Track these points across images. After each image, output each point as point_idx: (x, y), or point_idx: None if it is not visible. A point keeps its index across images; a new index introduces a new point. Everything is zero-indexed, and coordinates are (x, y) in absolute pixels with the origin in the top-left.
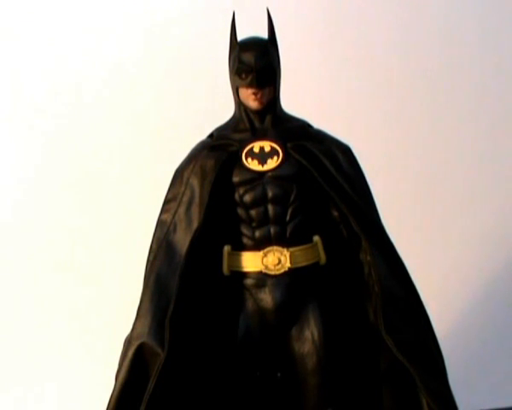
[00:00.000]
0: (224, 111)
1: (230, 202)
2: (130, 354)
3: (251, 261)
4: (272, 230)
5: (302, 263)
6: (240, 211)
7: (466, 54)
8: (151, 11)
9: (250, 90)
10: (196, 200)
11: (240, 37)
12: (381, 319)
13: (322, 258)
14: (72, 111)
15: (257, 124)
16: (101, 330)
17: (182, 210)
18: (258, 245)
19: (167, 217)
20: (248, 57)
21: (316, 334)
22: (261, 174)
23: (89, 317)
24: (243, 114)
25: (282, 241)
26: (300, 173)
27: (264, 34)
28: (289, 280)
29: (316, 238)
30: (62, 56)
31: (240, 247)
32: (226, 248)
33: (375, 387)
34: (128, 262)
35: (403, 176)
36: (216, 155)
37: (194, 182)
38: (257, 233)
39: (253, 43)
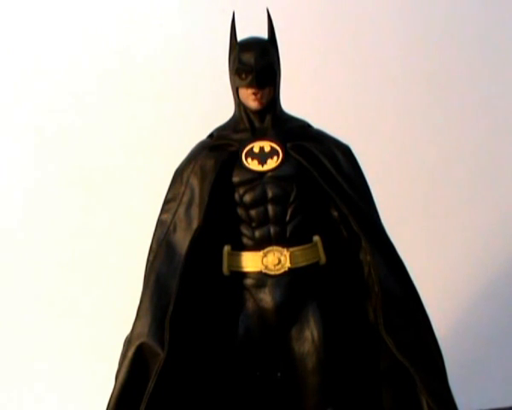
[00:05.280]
0: (224, 111)
1: (230, 202)
2: (130, 354)
3: (251, 261)
4: (272, 230)
5: (302, 263)
6: (240, 211)
7: (467, 53)
8: (151, 11)
9: (250, 90)
10: (196, 200)
11: (240, 37)
12: (381, 319)
13: (322, 258)
14: (73, 112)
15: (257, 124)
16: (102, 330)
17: (182, 210)
18: (258, 245)
19: (167, 217)
20: (248, 57)
21: (316, 334)
22: (261, 174)
23: (89, 317)
24: (243, 114)
25: (282, 241)
26: (300, 173)
27: (264, 34)
28: (289, 280)
29: (316, 238)
30: (62, 56)
31: (240, 247)
32: (226, 248)
33: (375, 387)
34: (128, 262)
35: (403, 176)
36: (216, 155)
37: (194, 182)
38: (257, 233)
39: (252, 44)
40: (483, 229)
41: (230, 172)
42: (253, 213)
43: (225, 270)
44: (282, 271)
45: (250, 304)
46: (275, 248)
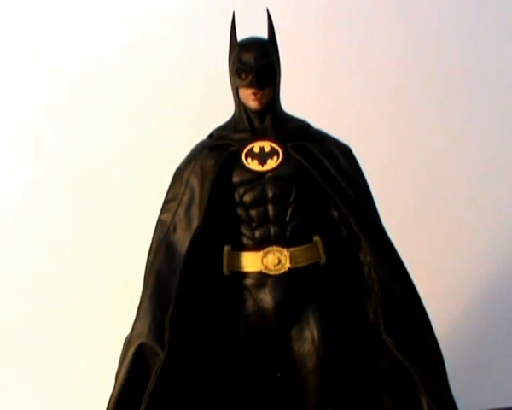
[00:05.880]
0: (224, 111)
1: (230, 202)
2: (130, 354)
3: (251, 261)
4: (272, 230)
5: (302, 263)
6: (240, 211)
7: (468, 52)
8: (151, 11)
9: (250, 91)
10: (196, 200)
11: (240, 37)
12: (381, 319)
13: (322, 258)
14: (73, 110)
15: (257, 124)
16: (102, 330)
17: (182, 210)
18: (258, 245)
19: (167, 217)
20: (248, 57)
21: (315, 334)
22: (261, 174)
23: (88, 317)
24: (243, 114)
25: (282, 241)
26: (300, 173)
27: (264, 34)
28: (289, 280)
29: (316, 238)
30: (60, 55)
31: (240, 247)
32: (226, 249)
33: (374, 387)
34: (128, 262)
35: (403, 176)
36: (216, 155)
37: (194, 182)
38: (257, 233)
39: (252, 44)
40: (483, 229)
41: (230, 172)
42: (253, 213)
43: (225, 270)
44: (282, 271)
45: (250, 304)
46: (275, 248)
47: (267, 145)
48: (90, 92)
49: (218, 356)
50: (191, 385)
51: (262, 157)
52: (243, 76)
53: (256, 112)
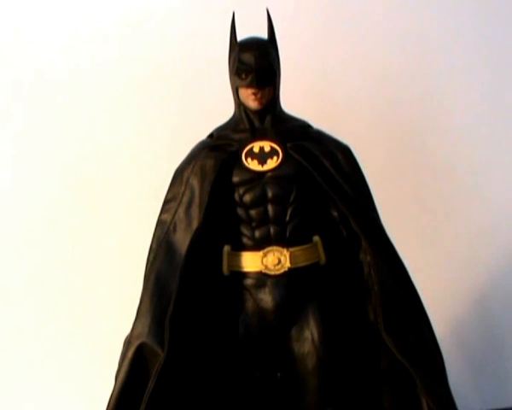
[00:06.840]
0: (224, 111)
1: (230, 202)
2: (129, 354)
3: (251, 261)
4: (272, 230)
5: (302, 263)
6: (240, 211)
7: (468, 49)
8: (150, 10)
9: (250, 91)
10: (196, 200)
11: (240, 37)
12: (381, 318)
13: (322, 258)
14: (73, 109)
15: (257, 124)
16: (102, 330)
17: (182, 210)
18: (257, 245)
19: (167, 217)
20: (248, 57)
21: (315, 334)
22: (261, 174)
23: (88, 317)
24: (243, 114)
25: (282, 241)
26: (300, 173)
27: (264, 34)
28: (289, 280)
29: (315, 238)
30: (59, 52)
31: (240, 247)
32: (226, 249)
33: (375, 387)
34: (128, 262)
35: (402, 176)
36: (216, 155)
37: (194, 182)
38: (257, 233)
39: (252, 44)
40: (484, 229)
41: (230, 172)
42: (252, 213)
43: (225, 270)
44: (282, 271)
45: (250, 304)
46: (275, 248)
47: (267, 145)
48: (89, 91)
49: (218, 356)
50: (191, 385)
51: (262, 157)
52: (243, 76)
53: (256, 112)
